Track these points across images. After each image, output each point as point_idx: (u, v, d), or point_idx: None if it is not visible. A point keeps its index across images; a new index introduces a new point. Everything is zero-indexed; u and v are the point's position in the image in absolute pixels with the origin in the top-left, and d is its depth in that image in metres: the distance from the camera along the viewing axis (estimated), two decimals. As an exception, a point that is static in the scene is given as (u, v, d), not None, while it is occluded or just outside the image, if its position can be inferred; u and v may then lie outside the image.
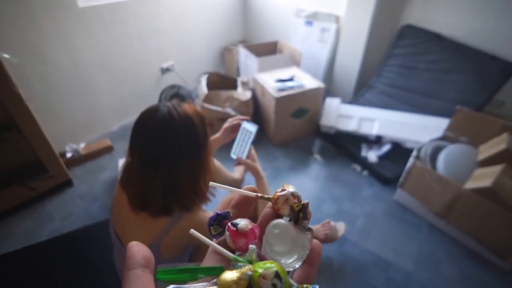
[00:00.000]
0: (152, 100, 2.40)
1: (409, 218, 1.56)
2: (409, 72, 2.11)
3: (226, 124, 1.18)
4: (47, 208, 1.63)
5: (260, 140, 2.03)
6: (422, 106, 1.98)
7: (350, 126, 1.94)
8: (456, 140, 1.59)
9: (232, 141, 1.20)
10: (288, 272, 0.21)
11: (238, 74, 2.73)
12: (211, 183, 0.27)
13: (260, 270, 0.19)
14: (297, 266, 0.22)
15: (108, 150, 2.04)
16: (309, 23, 2.46)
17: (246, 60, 2.37)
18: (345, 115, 1.99)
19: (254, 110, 2.07)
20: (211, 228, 0.23)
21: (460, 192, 1.32)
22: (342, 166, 1.90)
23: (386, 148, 1.84)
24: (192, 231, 0.23)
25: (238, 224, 0.22)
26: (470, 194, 1.30)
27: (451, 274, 1.31)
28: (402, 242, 1.45)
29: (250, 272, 0.19)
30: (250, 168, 1.11)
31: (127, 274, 0.19)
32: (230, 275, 0.19)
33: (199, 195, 0.84)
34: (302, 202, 0.24)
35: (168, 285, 0.18)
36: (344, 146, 1.96)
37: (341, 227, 1.36)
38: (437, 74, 1.99)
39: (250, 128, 1.14)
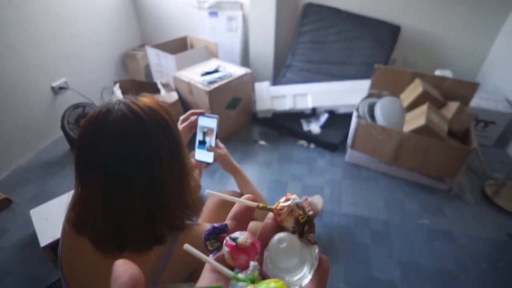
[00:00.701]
0: (50, 128, 1.91)
1: (365, 174, 1.67)
2: (320, 46, 2.26)
3: (180, 125, 0.99)
4: None
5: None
6: (340, 74, 2.16)
7: (286, 105, 1.95)
8: (380, 95, 1.78)
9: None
10: None
11: (150, 78, 2.44)
12: (207, 191, 0.25)
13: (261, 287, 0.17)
14: (303, 284, 0.19)
15: (4, 205, 1.52)
16: (213, 13, 2.37)
17: (159, 60, 2.12)
18: (278, 96, 1.99)
19: (184, 111, 1.87)
20: (208, 242, 0.22)
21: (402, 136, 1.48)
22: (289, 145, 1.90)
23: (324, 117, 1.92)
24: (187, 246, 0.21)
25: (237, 238, 0.20)
26: (410, 136, 1.46)
27: (414, 208, 1.46)
28: (368, 196, 1.53)
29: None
30: (223, 160, 0.95)
31: None
32: None
33: (189, 205, 0.67)
34: (307, 214, 0.22)
35: None
36: (285, 126, 1.97)
37: (318, 199, 1.34)
38: (345, 43, 2.19)
39: (208, 121, 0.98)
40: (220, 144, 0.98)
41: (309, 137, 1.89)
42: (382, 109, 1.62)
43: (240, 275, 0.19)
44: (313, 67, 2.27)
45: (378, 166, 1.67)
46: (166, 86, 1.92)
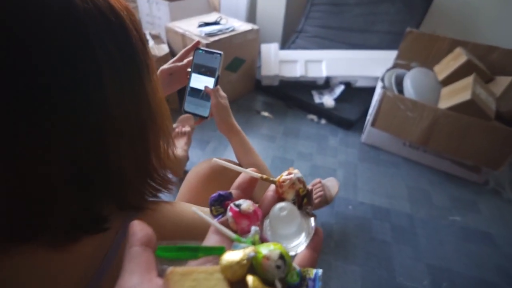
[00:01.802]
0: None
1: (384, 158, 1.42)
2: (338, 9, 1.95)
3: (164, 66, 0.70)
4: None
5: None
6: (359, 43, 1.85)
7: (296, 71, 1.66)
8: (409, 67, 1.50)
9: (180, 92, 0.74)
10: (291, 256, 0.19)
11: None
12: (214, 159, 0.28)
13: (263, 252, 0.18)
14: (299, 250, 0.21)
15: None
16: (218, -39, 2.02)
17: (150, 9, 1.79)
18: (288, 61, 1.69)
19: (176, 70, 1.57)
20: (213, 208, 0.23)
21: (438, 113, 1.21)
22: (297, 119, 1.63)
23: (340, 89, 1.64)
24: (194, 209, 0.23)
25: (241, 205, 0.21)
26: (448, 113, 1.19)
27: (443, 202, 1.22)
28: (388, 184, 1.28)
29: (253, 253, 0.18)
30: (220, 114, 0.67)
31: (128, 252, 0.19)
32: (232, 255, 0.17)
33: (156, 175, 0.41)
34: (307, 188, 0.23)
35: (167, 263, 0.17)
36: (294, 97, 1.69)
37: (332, 183, 1.09)
38: (368, 7, 1.87)
39: (208, 59, 0.70)
40: (222, 93, 0.70)
41: (321, 111, 1.61)
42: (413, 81, 1.34)
43: (242, 238, 0.20)
44: (329, 34, 1.96)
45: (400, 150, 1.41)
46: (156, 37, 1.60)
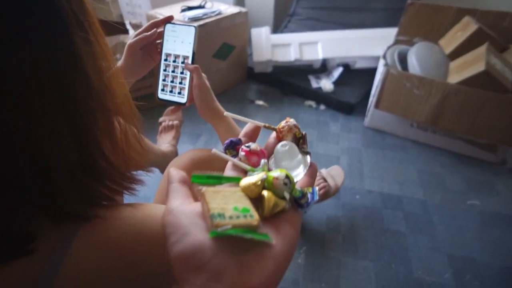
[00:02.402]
0: None
1: (390, 141, 1.31)
2: (331, -12, 1.82)
3: (130, 41, 0.59)
4: None
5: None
6: (355, 23, 1.73)
7: (290, 55, 1.55)
8: (411, 43, 1.38)
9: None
10: None
11: (121, 19, 1.99)
12: (226, 113, 0.31)
13: (273, 174, 0.22)
14: (299, 178, 0.25)
15: None
16: None
17: (129, -3, 1.67)
18: (280, 44, 1.58)
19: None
20: (227, 151, 0.27)
21: (448, 89, 1.10)
22: (294, 106, 1.52)
23: (338, 72, 1.53)
24: (215, 150, 0.26)
25: (250, 145, 0.26)
26: (460, 88, 1.08)
27: (459, 186, 1.11)
28: (397, 169, 1.18)
29: (265, 176, 0.22)
30: (201, 96, 0.56)
31: (170, 187, 0.23)
32: (249, 179, 0.23)
33: (110, 172, 0.31)
34: (301, 132, 0.28)
35: (200, 187, 0.22)
36: (289, 83, 1.58)
37: (337, 172, 0.98)
38: (362, -17, 1.75)
39: (181, 33, 0.59)
40: (200, 72, 0.59)
41: (319, 96, 1.50)
42: (418, 56, 1.23)
43: (255, 169, 0.25)
44: (323, 15, 1.84)
45: (407, 132, 1.30)
46: (136, 26, 1.49)
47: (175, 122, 1.15)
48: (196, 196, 0.22)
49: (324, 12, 1.85)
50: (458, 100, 1.10)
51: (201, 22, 1.31)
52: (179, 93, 0.60)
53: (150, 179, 0.39)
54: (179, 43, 0.58)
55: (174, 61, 0.59)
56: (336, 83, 1.50)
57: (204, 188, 0.21)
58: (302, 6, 1.92)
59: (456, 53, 1.20)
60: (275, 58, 1.54)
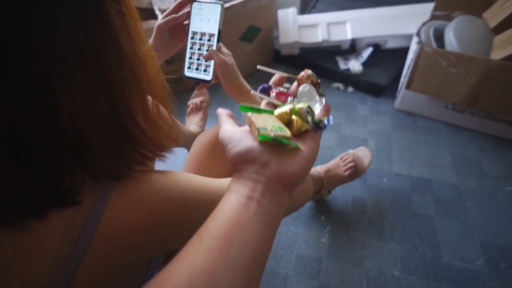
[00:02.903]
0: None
1: (422, 124, 1.25)
2: (363, -37, 1.72)
3: (158, 22, 0.61)
4: None
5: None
6: (387, 0, 1.64)
7: (318, 36, 1.50)
8: (449, 18, 1.28)
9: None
10: None
11: (150, 6, 2.03)
12: (259, 66, 0.41)
13: (299, 106, 0.31)
14: (317, 112, 0.34)
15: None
16: None
17: (157, -17, 1.70)
18: (308, 25, 1.53)
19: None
20: (260, 94, 0.36)
21: (490, 66, 1.02)
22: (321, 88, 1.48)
23: (367, 52, 1.47)
24: (253, 92, 0.37)
25: (279, 88, 0.35)
26: (503, 65, 1.00)
27: (497, 171, 1.04)
28: (429, 153, 1.12)
29: (292, 106, 0.31)
30: (226, 75, 0.57)
31: (220, 119, 0.33)
32: (281, 109, 0.32)
33: (143, 140, 0.33)
34: (317, 79, 0.36)
35: (247, 113, 0.30)
36: (316, 65, 1.54)
37: (364, 153, 0.96)
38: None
39: (207, 11, 0.60)
40: (225, 50, 0.60)
41: (347, 78, 1.46)
42: (457, 32, 1.14)
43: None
44: (353, -7, 1.76)
45: (441, 114, 1.23)
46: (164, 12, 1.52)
47: (203, 103, 1.18)
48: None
49: (355, -10, 1.76)
50: (501, 78, 1.01)
51: (228, 4, 1.31)
52: (205, 70, 0.61)
53: (179, 158, 0.42)
54: (206, 21, 0.59)
55: (200, 39, 0.60)
56: (365, 64, 1.45)
57: (249, 113, 0.30)
58: (331, -16, 1.85)
59: (503, 27, 1.10)
60: (302, 39, 1.51)
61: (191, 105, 1.18)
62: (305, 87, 0.35)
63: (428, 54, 1.11)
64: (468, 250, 0.83)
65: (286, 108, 0.31)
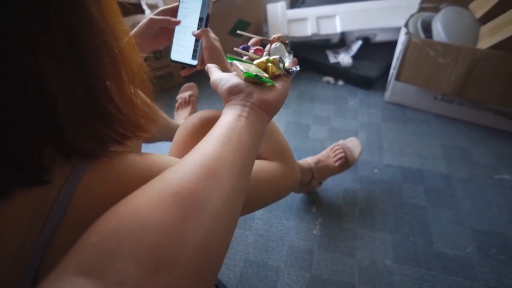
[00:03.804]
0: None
1: (412, 116, 1.25)
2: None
3: (153, 15, 0.59)
4: None
5: (194, 79, 1.43)
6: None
7: (307, 30, 1.50)
8: (437, 10, 1.29)
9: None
10: None
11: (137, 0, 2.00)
12: (238, 31, 0.54)
13: (272, 57, 0.40)
14: (287, 64, 0.42)
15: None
16: None
17: (144, -22, 1.67)
18: (297, 19, 1.53)
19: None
20: (242, 51, 0.45)
21: (478, 55, 1.02)
22: (311, 82, 1.48)
23: (357, 46, 1.46)
24: (236, 48, 0.47)
25: (256, 47, 0.45)
26: (491, 54, 1.00)
27: (486, 160, 1.05)
28: (419, 143, 1.13)
29: (267, 57, 0.40)
30: (212, 58, 0.55)
31: (210, 69, 0.42)
32: (258, 60, 0.40)
33: (119, 117, 0.32)
34: (285, 40, 0.45)
35: (232, 62, 0.40)
36: (306, 59, 1.53)
37: (354, 143, 0.95)
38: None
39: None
40: (212, 34, 0.58)
41: (337, 72, 1.45)
42: (445, 22, 1.14)
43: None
44: (342, -13, 1.75)
45: (431, 105, 1.23)
46: (153, 7, 1.49)
47: (191, 97, 1.16)
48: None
49: (343, -16, 1.76)
50: (489, 67, 1.02)
51: (215, -2, 1.30)
52: (192, 55, 0.60)
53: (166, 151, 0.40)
54: (195, 5, 0.58)
55: (188, 25, 0.58)
56: (355, 57, 1.44)
57: (235, 61, 0.39)
58: (319, -21, 1.84)
59: (489, 16, 1.11)
60: (291, 34, 1.50)
61: (179, 100, 1.16)
62: (276, 45, 0.44)
63: (416, 45, 1.12)
64: (459, 237, 0.83)
65: (263, 58, 0.40)
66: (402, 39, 1.18)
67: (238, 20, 1.44)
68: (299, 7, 1.78)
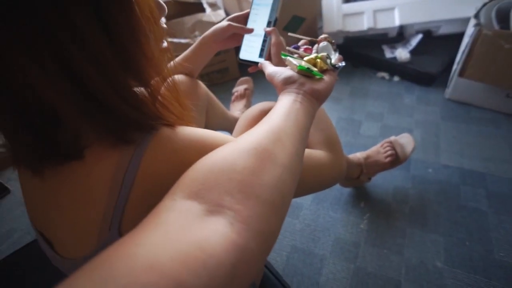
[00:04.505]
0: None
1: (477, 115, 1.16)
2: None
3: (231, 22, 0.64)
4: (-29, 230, 1.09)
5: (248, 73, 1.49)
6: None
7: (363, 24, 1.46)
8: (515, -2, 1.16)
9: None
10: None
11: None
12: (289, 33, 0.57)
13: (320, 54, 0.45)
14: (333, 60, 0.46)
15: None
16: None
17: (205, -22, 1.78)
18: (352, 13, 1.50)
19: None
20: (293, 50, 0.50)
21: (562, 50, 0.91)
22: (365, 78, 1.45)
23: (416, 39, 1.39)
24: (291, 33, 0.55)
25: (306, 46, 0.51)
26: None
27: None
28: (483, 145, 1.05)
29: (316, 54, 0.46)
30: (279, 57, 0.60)
31: (263, 65, 0.49)
32: (308, 56, 0.45)
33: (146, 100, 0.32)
34: (332, 40, 0.49)
35: (286, 58, 0.45)
36: (361, 54, 1.50)
37: (407, 140, 0.93)
38: None
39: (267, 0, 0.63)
40: (277, 33, 0.62)
41: (393, 67, 1.40)
42: (524, 12, 1.03)
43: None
44: (404, -22, 1.66)
45: (501, 104, 1.13)
46: (213, 5, 1.59)
47: (247, 91, 1.23)
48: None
49: (405, -25, 1.66)
50: None
51: (271, -5, 1.34)
52: (259, 54, 0.65)
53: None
54: (265, 9, 0.63)
55: (257, 27, 0.63)
56: (413, 52, 1.37)
57: (288, 57, 0.44)
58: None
59: None
60: (346, 28, 1.48)
61: (235, 93, 1.23)
62: (323, 44, 0.48)
63: (488, 37, 1.03)
64: (524, 247, 0.77)
65: (312, 55, 0.45)
66: (470, 31, 1.10)
67: (293, 16, 1.47)
68: (355, 0, 1.74)
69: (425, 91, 1.31)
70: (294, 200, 0.94)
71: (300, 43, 0.52)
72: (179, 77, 0.65)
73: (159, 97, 0.34)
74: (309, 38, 0.51)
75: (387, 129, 1.16)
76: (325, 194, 0.96)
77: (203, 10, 1.59)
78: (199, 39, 0.65)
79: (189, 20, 1.45)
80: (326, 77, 0.42)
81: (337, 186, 0.96)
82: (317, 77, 0.42)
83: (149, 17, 0.30)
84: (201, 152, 0.31)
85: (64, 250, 0.34)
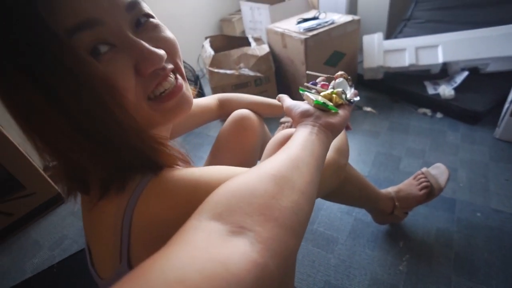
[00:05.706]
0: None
1: (532, 158, 1.09)
2: (460, -15, 1.64)
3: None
4: (31, 235, 1.21)
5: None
6: (488, 20, 1.50)
7: (404, 60, 1.47)
8: None
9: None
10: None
11: (243, 34, 2.28)
12: (307, 71, 0.70)
13: (336, 90, 0.48)
14: (349, 95, 0.49)
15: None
16: (317, -39, 2.00)
17: (253, 15, 1.93)
18: (394, 50, 1.52)
19: (276, 69, 1.62)
20: (310, 86, 0.53)
21: None
22: (405, 113, 1.43)
23: (462, 77, 1.36)
24: (309, 71, 0.61)
25: (322, 82, 0.54)
26: None
27: None
28: (540, 190, 0.97)
29: (332, 90, 0.49)
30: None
31: (282, 98, 0.53)
32: (325, 92, 0.48)
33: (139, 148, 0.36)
34: (348, 76, 0.52)
35: (303, 93, 0.49)
36: (401, 90, 1.50)
37: (440, 170, 0.90)
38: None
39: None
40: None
41: (436, 103, 1.38)
42: None
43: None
44: (446, 16, 1.67)
45: (560, 148, 1.05)
46: (257, 40, 1.70)
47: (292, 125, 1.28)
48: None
49: (448, 12, 1.67)
50: None
51: (314, 32, 1.41)
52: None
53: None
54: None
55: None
56: (458, 89, 1.35)
57: (306, 92, 0.48)
58: (421, 8, 1.79)
59: None
60: (387, 64, 1.50)
61: (283, 124, 1.29)
62: (339, 80, 0.51)
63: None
64: None
65: (328, 91, 0.49)
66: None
67: (333, 51, 1.52)
68: (395, 37, 1.77)
69: (471, 130, 1.26)
70: (329, 234, 0.94)
71: (318, 80, 0.55)
72: (249, 114, 0.72)
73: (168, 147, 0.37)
74: (326, 75, 0.55)
75: (428, 166, 1.12)
76: (362, 230, 0.94)
77: (248, 44, 1.71)
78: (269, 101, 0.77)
79: (235, 53, 1.56)
80: (341, 111, 0.45)
81: (374, 223, 0.94)
82: (333, 111, 0.44)
83: (112, 97, 0.32)
84: (191, 193, 0.33)
85: (99, 270, 0.39)
